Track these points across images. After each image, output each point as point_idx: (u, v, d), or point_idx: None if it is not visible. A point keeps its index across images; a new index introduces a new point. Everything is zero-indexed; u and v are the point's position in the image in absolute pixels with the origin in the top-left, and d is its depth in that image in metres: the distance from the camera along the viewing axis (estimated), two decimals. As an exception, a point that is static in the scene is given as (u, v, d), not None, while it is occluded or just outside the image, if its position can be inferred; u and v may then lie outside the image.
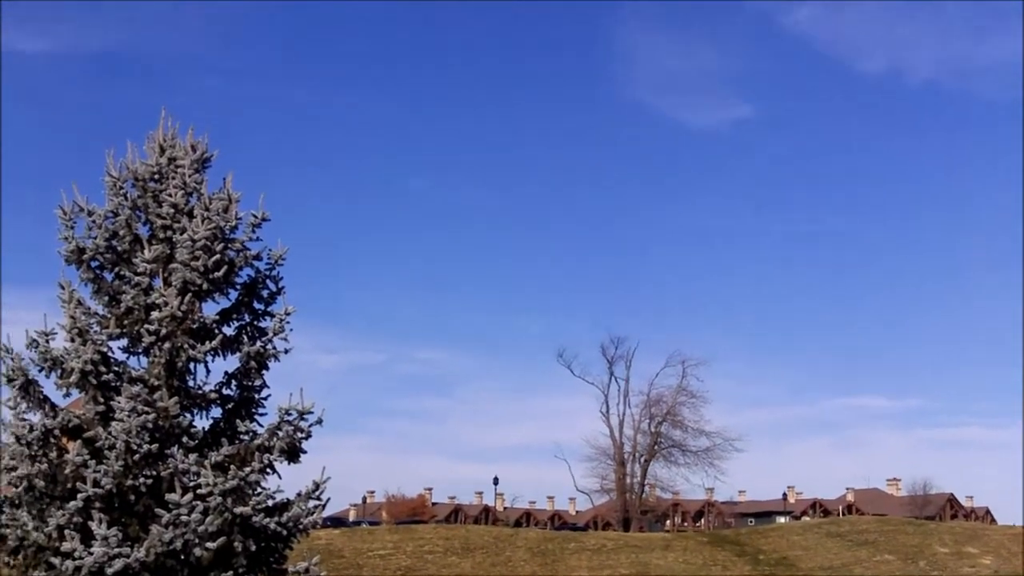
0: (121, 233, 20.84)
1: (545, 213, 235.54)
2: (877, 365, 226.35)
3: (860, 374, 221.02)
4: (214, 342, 20.38)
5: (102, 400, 19.70)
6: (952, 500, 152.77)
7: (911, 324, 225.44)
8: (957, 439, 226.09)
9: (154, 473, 19.19)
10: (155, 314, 19.86)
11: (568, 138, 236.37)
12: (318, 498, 20.60)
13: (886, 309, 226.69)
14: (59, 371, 19.78)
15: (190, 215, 20.84)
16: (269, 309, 21.65)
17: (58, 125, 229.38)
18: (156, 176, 21.28)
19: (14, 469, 18.99)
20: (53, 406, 19.90)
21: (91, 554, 18.07)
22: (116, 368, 20.15)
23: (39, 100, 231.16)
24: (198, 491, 18.86)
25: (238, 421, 20.81)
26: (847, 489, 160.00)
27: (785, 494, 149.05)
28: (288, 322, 21.21)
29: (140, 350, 20.49)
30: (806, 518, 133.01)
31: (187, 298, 20.07)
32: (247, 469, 19.46)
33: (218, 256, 20.40)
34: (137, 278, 20.42)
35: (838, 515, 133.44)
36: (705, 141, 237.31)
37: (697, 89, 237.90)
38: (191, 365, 20.45)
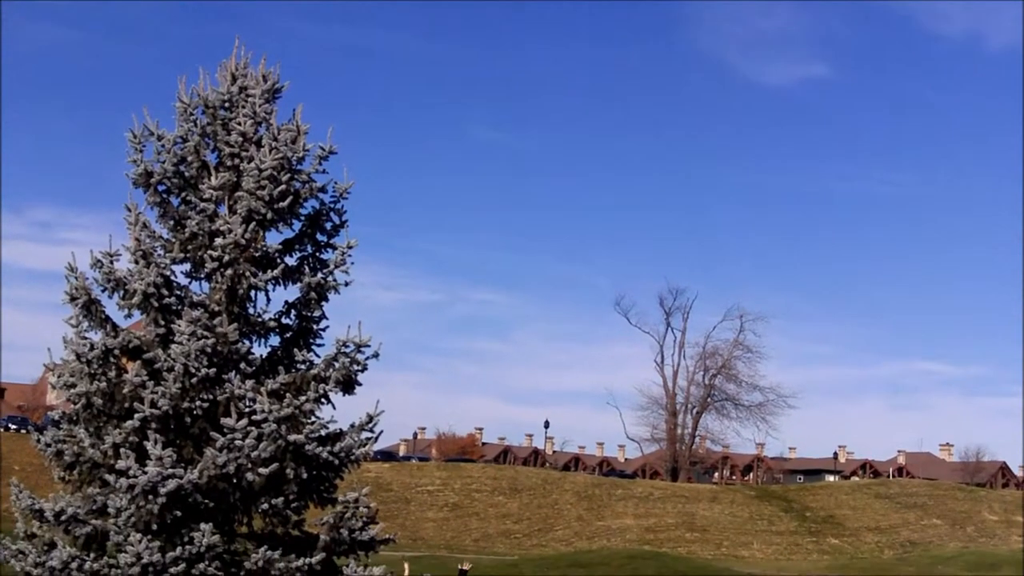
0: (189, 159, 20.92)
1: (611, 163, 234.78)
2: (943, 331, 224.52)
3: (925, 339, 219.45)
4: (276, 271, 20.46)
5: (163, 323, 19.87)
6: (1004, 468, 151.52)
7: (981, 291, 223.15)
8: (1016, 408, 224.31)
9: (211, 397, 19.39)
10: (219, 241, 19.96)
11: (638, 90, 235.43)
12: (371, 430, 20.70)
13: (956, 275, 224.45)
14: (122, 292, 19.93)
15: (258, 144, 20.85)
16: (331, 241, 21.62)
17: (131, 51, 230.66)
18: (226, 104, 21.29)
19: (73, 386, 19.20)
20: (114, 326, 20.06)
21: (145, 473, 18.25)
22: (178, 292, 20.28)
23: (111, 25, 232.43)
24: (253, 417, 18.99)
25: (295, 350, 20.90)
26: (898, 452, 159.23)
27: (836, 453, 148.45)
28: (350, 255, 21.19)
29: (202, 275, 20.59)
30: (855, 478, 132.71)
31: (251, 226, 20.15)
32: (302, 398, 19.59)
33: (284, 186, 20.42)
34: (203, 204, 20.51)
35: (888, 477, 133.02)
36: (777, 98, 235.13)
37: (772, 46, 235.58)
38: (252, 293, 20.51)
